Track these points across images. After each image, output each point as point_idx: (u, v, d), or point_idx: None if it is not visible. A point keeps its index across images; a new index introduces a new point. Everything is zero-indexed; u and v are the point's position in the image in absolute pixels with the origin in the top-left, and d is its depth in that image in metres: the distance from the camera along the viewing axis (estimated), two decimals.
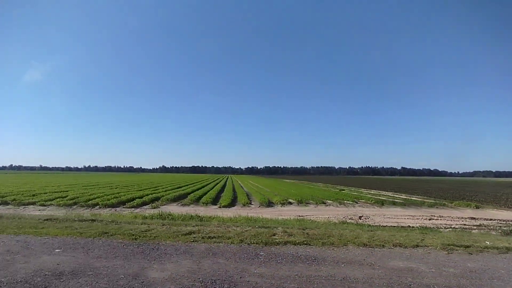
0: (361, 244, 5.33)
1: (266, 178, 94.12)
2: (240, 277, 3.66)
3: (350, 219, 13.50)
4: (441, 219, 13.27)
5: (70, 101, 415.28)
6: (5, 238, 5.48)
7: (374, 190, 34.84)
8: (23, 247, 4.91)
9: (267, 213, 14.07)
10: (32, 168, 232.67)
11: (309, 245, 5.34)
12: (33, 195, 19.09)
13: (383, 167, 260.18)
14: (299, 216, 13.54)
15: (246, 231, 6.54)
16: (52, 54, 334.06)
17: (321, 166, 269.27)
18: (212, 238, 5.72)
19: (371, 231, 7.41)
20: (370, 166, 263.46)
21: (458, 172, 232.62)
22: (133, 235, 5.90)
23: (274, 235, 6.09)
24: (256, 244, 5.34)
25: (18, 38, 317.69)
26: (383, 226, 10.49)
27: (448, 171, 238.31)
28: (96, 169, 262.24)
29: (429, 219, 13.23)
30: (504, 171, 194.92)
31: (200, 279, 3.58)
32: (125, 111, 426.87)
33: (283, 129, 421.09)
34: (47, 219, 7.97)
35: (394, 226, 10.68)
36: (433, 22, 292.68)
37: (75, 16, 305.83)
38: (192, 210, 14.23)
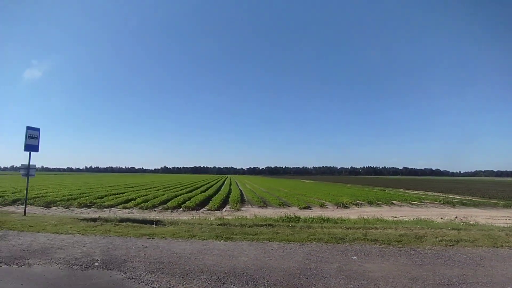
0: None
1: (279, 179, 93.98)
2: None
3: (451, 220, 13.55)
4: None
5: (70, 101, 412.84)
6: (254, 245, 5.41)
7: (416, 190, 34.97)
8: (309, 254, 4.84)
9: (355, 214, 13.97)
10: None
11: None
12: (98, 198, 18.84)
13: (384, 167, 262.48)
14: (394, 217, 13.59)
15: (459, 233, 6.57)
16: (52, 53, 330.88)
17: (323, 166, 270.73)
18: (459, 242, 5.73)
19: None
20: (371, 166, 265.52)
21: (460, 171, 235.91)
22: (339, 238, 5.93)
23: (504, 238, 6.09)
24: None
25: (17, 37, 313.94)
26: None
27: (450, 171, 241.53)
28: (97, 169, 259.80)
29: None
30: (506, 171, 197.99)
31: None
32: (125, 111, 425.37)
33: (283, 129, 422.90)
34: (221, 224, 7.84)
35: None
36: (433, 22, 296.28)
37: (75, 15, 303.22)
38: (279, 212, 14.14)
